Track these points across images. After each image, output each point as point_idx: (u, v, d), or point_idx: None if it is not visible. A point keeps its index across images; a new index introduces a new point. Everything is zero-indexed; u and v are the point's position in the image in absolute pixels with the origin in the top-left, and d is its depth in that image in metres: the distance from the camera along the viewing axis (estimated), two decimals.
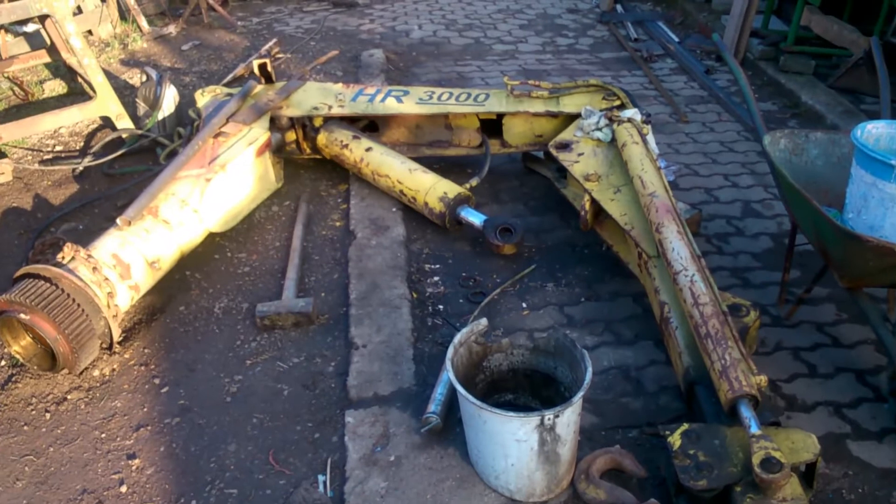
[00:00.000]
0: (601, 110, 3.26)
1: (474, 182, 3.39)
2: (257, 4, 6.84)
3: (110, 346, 2.67)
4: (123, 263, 2.71)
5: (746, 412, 1.93)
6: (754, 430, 1.88)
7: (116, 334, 2.65)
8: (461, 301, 2.91)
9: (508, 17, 6.37)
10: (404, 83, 4.83)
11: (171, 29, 5.76)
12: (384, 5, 6.84)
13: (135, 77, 4.90)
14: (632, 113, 3.16)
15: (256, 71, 3.67)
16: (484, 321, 2.26)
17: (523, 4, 6.76)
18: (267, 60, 3.69)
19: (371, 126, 3.77)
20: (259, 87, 3.78)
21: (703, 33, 5.58)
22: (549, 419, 1.90)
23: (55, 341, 2.47)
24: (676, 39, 5.56)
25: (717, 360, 2.04)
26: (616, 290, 2.91)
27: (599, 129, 3.14)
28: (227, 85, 4.53)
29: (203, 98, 3.75)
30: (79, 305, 2.52)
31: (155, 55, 5.41)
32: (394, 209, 3.40)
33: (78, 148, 4.10)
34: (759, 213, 3.39)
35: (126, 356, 2.70)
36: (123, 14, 5.71)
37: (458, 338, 2.18)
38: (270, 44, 5.33)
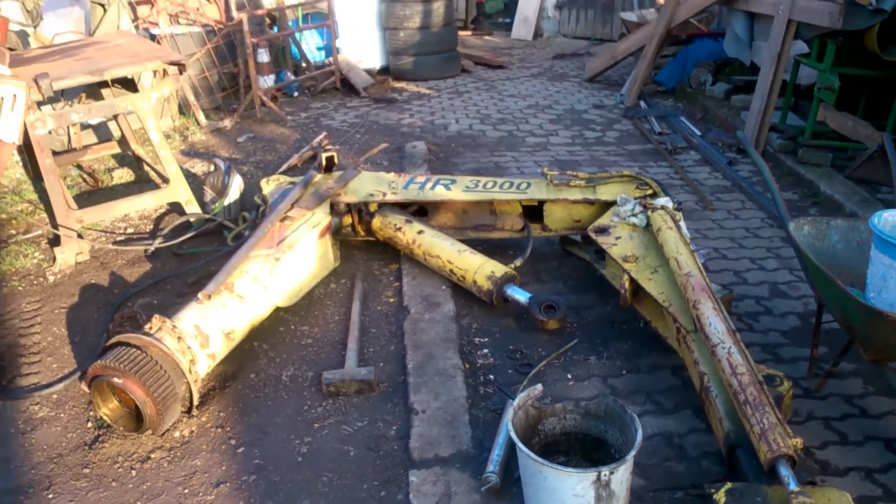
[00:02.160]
0: (635, 198, 3.55)
1: (518, 262, 3.66)
2: (303, 100, 7.30)
3: (189, 409, 2.91)
4: (203, 334, 2.97)
5: (785, 471, 2.13)
6: (793, 487, 2.07)
7: (196, 398, 2.89)
8: (510, 371, 3.13)
9: (538, 113, 6.77)
10: (445, 172, 5.17)
11: (227, 122, 6.19)
12: (421, 101, 7.28)
13: (196, 166, 5.29)
14: (664, 201, 3.44)
15: (323, 161, 4.00)
16: (539, 387, 2.49)
17: (551, 101, 7.18)
18: (334, 153, 4.03)
19: (420, 211, 4.07)
20: (319, 176, 4.11)
21: (723, 128, 5.92)
22: (605, 475, 2.10)
23: (144, 403, 2.71)
24: (698, 133, 5.90)
25: (756, 424, 2.24)
26: (655, 363, 3.13)
27: (635, 215, 3.42)
28: (284, 174, 4.88)
29: (268, 186, 4.09)
30: (165, 371, 2.77)
31: (213, 146, 5.81)
32: (443, 287, 3.67)
33: (148, 230, 4.44)
34: (786, 294, 3.62)
35: (203, 419, 2.93)
36: (183, 109, 6.15)
37: (516, 401, 2.41)
38: (321, 137, 5.71)
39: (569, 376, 3.09)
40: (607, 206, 3.66)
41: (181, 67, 3.93)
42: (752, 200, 4.66)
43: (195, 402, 2.90)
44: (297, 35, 7.82)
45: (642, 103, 6.81)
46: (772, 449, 2.16)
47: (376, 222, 3.94)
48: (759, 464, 2.22)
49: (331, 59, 8.06)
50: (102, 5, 5.77)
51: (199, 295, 3.06)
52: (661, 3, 7.26)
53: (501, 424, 2.72)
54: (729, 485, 2.19)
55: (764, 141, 5.23)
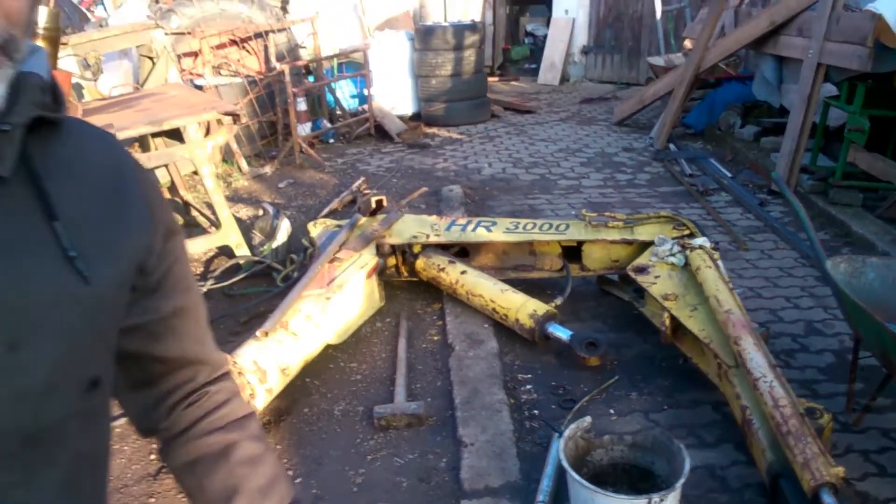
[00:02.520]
0: (673, 238, 3.67)
1: (559, 301, 3.78)
2: (339, 147, 7.54)
3: None
4: (261, 369, 3.11)
5: (829, 499, 2.21)
6: None
7: None
8: (553, 407, 3.23)
9: (569, 156, 6.94)
10: (481, 214, 5.31)
11: (268, 169, 6.42)
12: (453, 146, 7.48)
13: (240, 211, 5.49)
14: (702, 241, 3.56)
15: (373, 205, 4.18)
16: (588, 419, 2.59)
17: (581, 144, 7.35)
18: (384, 197, 4.21)
19: (462, 252, 4.21)
20: (363, 220, 4.28)
21: (753, 169, 6.03)
22: (655, 502, 2.20)
23: None
24: (729, 175, 6.03)
25: (799, 454, 2.33)
26: (695, 398, 3.22)
27: (673, 255, 3.54)
28: (325, 217, 5.06)
29: (315, 229, 4.26)
30: None
31: (255, 192, 6.03)
32: (485, 325, 3.79)
33: (199, 272, 4.62)
34: (822, 332, 3.70)
35: None
36: (226, 156, 6.39)
37: (567, 432, 2.51)
38: (359, 182, 5.91)
39: (611, 411, 3.18)
40: (645, 246, 3.78)
41: (235, 117, 4.14)
42: (784, 241, 4.75)
43: None
44: (332, 84, 8.09)
45: (672, 146, 6.96)
46: (815, 477, 2.24)
47: (420, 263, 4.09)
48: (803, 492, 2.30)
49: (365, 106, 8.31)
50: (151, 58, 6.04)
51: (258, 332, 3.21)
52: (688, 47, 7.44)
53: (549, 456, 2.82)
54: None
55: (795, 182, 5.34)
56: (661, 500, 2.20)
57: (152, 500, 2.82)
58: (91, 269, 0.76)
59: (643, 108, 7.86)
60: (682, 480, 2.24)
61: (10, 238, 0.72)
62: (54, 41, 5.11)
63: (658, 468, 2.52)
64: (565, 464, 2.35)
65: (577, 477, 2.29)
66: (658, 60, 8.22)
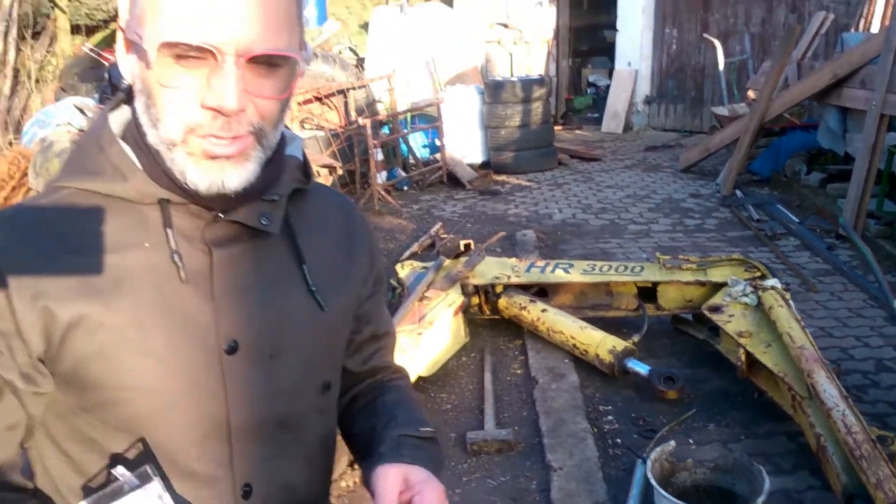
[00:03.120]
0: (745, 280, 3.88)
1: (636, 339, 4.00)
2: (413, 194, 7.92)
3: (352, 464, 3.32)
4: None
5: None
6: None
7: None
8: (634, 436, 3.45)
9: (637, 202, 7.18)
10: (555, 257, 5.57)
11: None
12: (523, 193, 7.80)
13: None
14: (773, 282, 3.77)
15: (462, 248, 4.50)
16: (672, 443, 2.81)
17: (648, 191, 7.59)
18: (471, 241, 4.53)
19: (541, 292, 4.48)
20: (448, 262, 4.59)
21: (820, 215, 6.18)
22: None
23: None
24: (796, 220, 6.18)
25: (872, 476, 2.51)
26: (771, 430, 3.40)
27: (746, 295, 3.75)
28: (408, 260, 5.39)
29: (403, 270, 4.59)
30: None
31: None
32: (566, 360, 4.04)
33: None
34: (892, 369, 3.85)
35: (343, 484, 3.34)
36: None
37: (653, 455, 2.74)
38: (437, 227, 6.24)
39: (690, 441, 3.38)
40: (718, 287, 3.99)
41: (332, 169, 4.52)
42: (853, 283, 4.90)
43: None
44: (407, 135, 8.52)
45: (738, 192, 7.14)
46: (888, 497, 2.42)
47: (502, 302, 4.36)
48: None
49: (436, 155, 8.72)
50: None
51: None
52: (752, 98, 7.66)
53: (633, 480, 3.03)
54: None
55: (862, 227, 5.48)
56: None
57: None
58: (326, 299, 1.03)
59: (709, 155, 8.07)
60: (762, 498, 2.44)
61: (276, 277, 1.00)
62: None
63: (739, 489, 2.72)
64: (653, 482, 2.57)
65: (665, 494, 2.51)
66: (722, 110, 8.44)
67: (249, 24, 0.83)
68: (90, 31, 18.42)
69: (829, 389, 2.91)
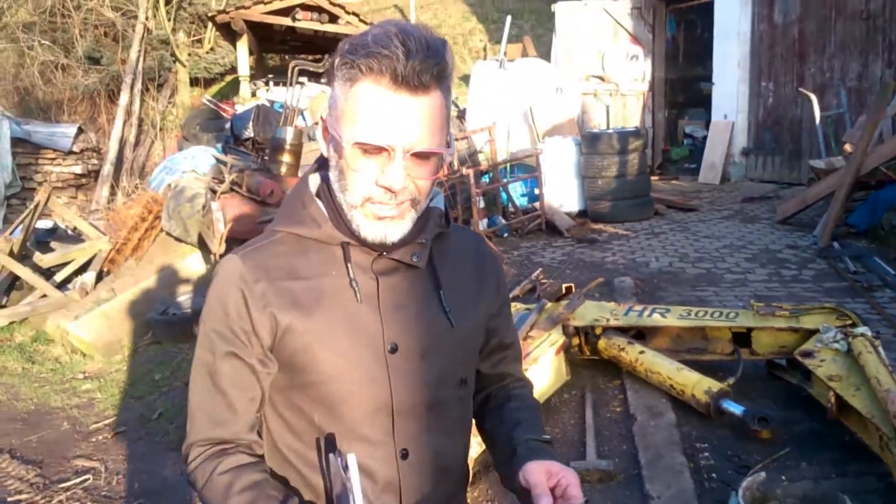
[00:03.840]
0: (836, 327, 4.08)
1: (731, 381, 4.24)
2: (513, 241, 8.31)
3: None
4: None
5: None
6: None
7: (470, 476, 3.66)
8: (729, 472, 3.68)
9: (734, 252, 7.37)
10: (652, 303, 5.83)
11: None
12: (620, 241, 8.09)
13: None
14: (863, 330, 3.96)
15: (563, 290, 4.85)
16: (763, 474, 3.06)
17: (745, 241, 7.76)
18: (572, 284, 4.88)
19: (639, 335, 4.76)
20: (549, 304, 4.94)
21: None
22: None
23: None
24: (893, 272, 6.26)
25: None
26: (861, 469, 3.58)
27: (837, 342, 3.95)
28: (512, 302, 5.76)
29: None
30: None
31: None
32: (663, 399, 4.30)
33: None
34: None
35: (475, 494, 3.69)
36: None
37: (745, 483, 2.99)
38: (537, 272, 6.59)
39: (783, 478, 3.58)
40: (810, 333, 4.19)
41: None
42: None
43: (469, 479, 3.66)
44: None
45: (835, 244, 7.23)
46: None
47: (602, 343, 4.67)
48: None
49: (535, 203, 9.11)
50: None
51: None
52: (848, 151, 7.76)
53: None
54: None
55: None
56: None
57: None
58: (456, 319, 1.44)
59: (806, 207, 8.18)
60: None
61: (423, 298, 1.42)
62: (297, 154, 6.24)
63: None
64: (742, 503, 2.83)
65: None
66: (819, 163, 8.54)
67: (413, 131, 1.26)
68: (207, 83, 19.76)
69: None
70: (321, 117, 1.39)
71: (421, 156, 1.29)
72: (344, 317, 1.35)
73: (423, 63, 1.22)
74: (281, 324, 1.33)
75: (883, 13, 9.58)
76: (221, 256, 5.20)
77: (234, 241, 5.30)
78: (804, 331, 4.25)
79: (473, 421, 1.62)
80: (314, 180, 1.44)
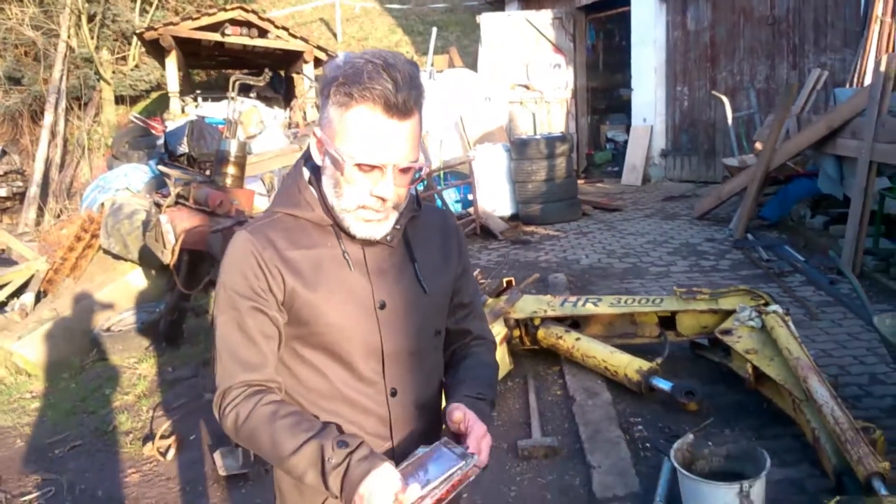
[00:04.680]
0: (751, 306, 4.50)
1: (659, 361, 4.61)
2: None
3: None
4: None
5: (877, 484, 2.98)
6: (884, 493, 2.92)
7: None
8: (661, 441, 4.03)
9: (657, 247, 7.83)
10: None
11: None
12: (552, 241, 8.48)
13: None
14: (775, 307, 4.39)
15: (504, 285, 5.17)
16: (691, 436, 3.42)
17: (667, 237, 8.25)
18: (512, 279, 5.20)
19: (574, 324, 5.11)
20: (491, 300, 5.25)
21: (824, 254, 6.79)
22: (746, 487, 3.01)
23: None
24: (802, 259, 6.80)
25: (854, 454, 3.11)
26: (778, 433, 3.97)
27: (752, 319, 4.37)
28: None
29: None
30: None
31: None
32: (599, 381, 4.65)
33: None
34: (884, 382, 4.42)
35: None
36: None
37: (676, 445, 3.35)
38: (476, 273, 6.92)
39: (709, 444, 3.97)
40: (728, 314, 4.60)
41: None
42: (853, 312, 5.49)
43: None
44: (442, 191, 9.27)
45: (749, 236, 7.77)
46: (867, 469, 3.02)
47: (541, 333, 5.01)
48: (860, 484, 3.07)
49: (469, 209, 9.44)
50: None
51: None
52: (758, 149, 8.33)
53: (661, 472, 3.64)
54: (839, 497, 3.04)
55: (860, 263, 6.08)
56: (751, 486, 3.00)
57: None
58: (429, 285, 1.75)
59: (721, 203, 8.73)
60: (764, 472, 3.04)
61: (402, 266, 1.72)
62: (241, 165, 6.42)
63: (748, 471, 3.30)
64: (676, 465, 3.18)
65: (686, 473, 3.12)
66: (732, 161, 9.12)
67: (401, 150, 1.56)
68: (133, 100, 19.52)
69: (820, 391, 3.52)
70: (314, 132, 1.66)
71: (404, 169, 1.58)
72: (340, 280, 1.64)
73: (409, 93, 1.52)
74: (288, 284, 1.61)
75: (787, 18, 10.27)
76: (175, 268, 5.34)
77: (186, 252, 5.44)
78: (723, 312, 4.66)
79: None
80: (305, 171, 1.71)
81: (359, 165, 1.54)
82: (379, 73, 1.49)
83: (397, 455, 1.67)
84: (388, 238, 1.67)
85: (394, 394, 1.70)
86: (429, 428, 1.81)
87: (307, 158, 1.73)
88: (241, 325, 1.61)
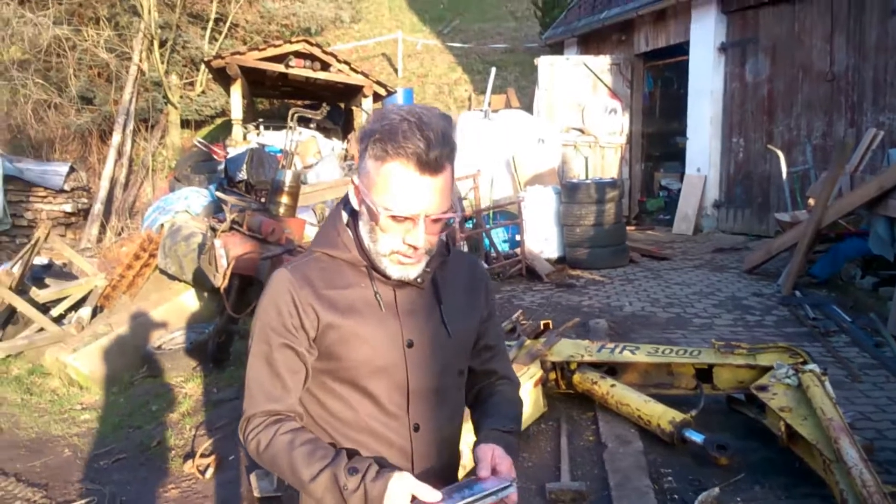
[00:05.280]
0: (788, 364, 4.50)
1: (694, 413, 4.62)
2: (495, 284, 8.71)
3: None
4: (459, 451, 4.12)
5: None
6: None
7: None
8: (690, 494, 4.04)
9: (702, 298, 7.81)
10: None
11: None
12: (596, 286, 8.51)
13: None
14: (812, 366, 4.38)
15: (542, 327, 5.24)
16: (717, 490, 3.44)
17: (714, 289, 8.21)
18: (549, 321, 5.27)
19: (610, 370, 5.15)
20: (529, 341, 5.32)
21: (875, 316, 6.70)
22: None
23: None
24: (849, 319, 6.71)
25: None
26: (808, 492, 3.95)
27: (788, 377, 4.36)
28: None
29: None
30: None
31: None
32: (632, 429, 4.67)
33: None
34: None
35: None
36: None
37: (700, 497, 3.38)
38: (518, 314, 6.98)
39: (738, 499, 3.97)
40: (765, 370, 4.60)
41: None
42: (895, 375, 5.42)
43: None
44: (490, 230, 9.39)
45: (797, 293, 7.69)
46: None
47: (577, 377, 5.05)
48: None
49: (515, 249, 9.54)
50: None
51: None
52: (811, 205, 8.27)
53: None
54: None
55: None
56: None
57: None
58: (453, 328, 1.86)
59: (771, 258, 8.66)
60: None
61: (429, 308, 1.83)
62: (295, 195, 6.64)
63: None
64: None
65: None
66: (784, 216, 9.05)
67: (432, 203, 1.68)
68: (198, 125, 20.21)
69: (850, 453, 3.50)
70: (352, 181, 1.81)
71: (436, 220, 1.70)
72: (371, 319, 1.77)
73: (441, 151, 1.65)
74: (322, 321, 1.74)
75: (846, 76, 10.21)
76: (225, 291, 5.55)
77: (237, 276, 5.65)
78: (760, 367, 4.65)
79: (466, 410, 2.04)
80: (344, 214, 1.85)
81: (392, 217, 1.67)
82: (413, 132, 1.63)
83: None
84: (419, 280, 1.79)
85: (416, 428, 1.81)
86: (449, 463, 1.92)
87: (346, 202, 1.86)
88: (269, 359, 1.75)
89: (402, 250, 1.71)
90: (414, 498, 1.56)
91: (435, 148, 1.63)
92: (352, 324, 1.75)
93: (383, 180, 1.67)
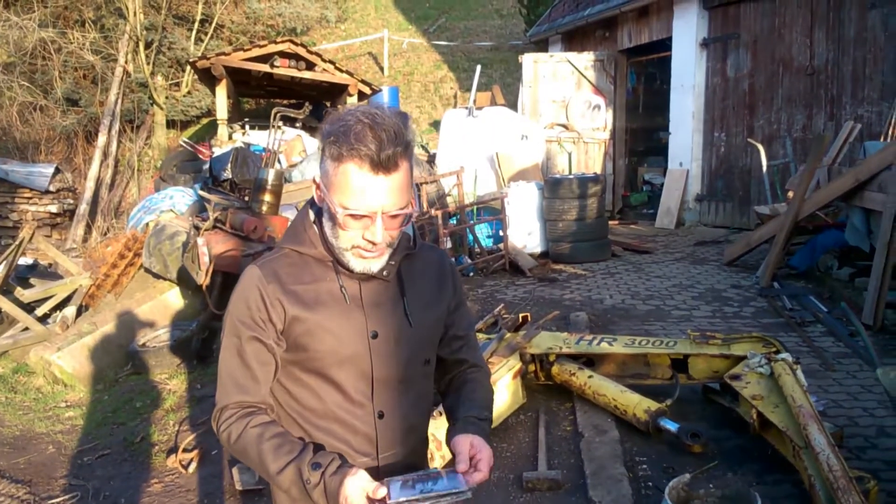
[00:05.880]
0: (762, 353, 4.57)
1: (668, 402, 4.70)
2: (478, 279, 8.78)
3: None
4: (437, 440, 4.16)
5: None
6: None
7: None
8: (664, 481, 4.10)
9: (682, 291, 7.90)
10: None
11: None
12: (578, 280, 8.59)
13: None
14: (785, 355, 4.45)
15: (520, 319, 5.31)
16: (688, 476, 3.51)
17: (693, 281, 8.30)
18: (528, 314, 5.33)
19: (588, 362, 5.22)
20: (509, 334, 5.39)
21: (848, 305, 6.80)
22: None
23: None
24: (825, 310, 6.81)
25: (845, 502, 3.18)
26: (779, 478, 4.03)
27: (761, 366, 4.43)
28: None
29: None
30: None
31: None
32: (608, 419, 4.74)
33: None
34: (891, 434, 4.45)
35: None
36: None
37: (671, 483, 3.44)
38: (499, 308, 7.05)
39: (711, 486, 4.04)
40: (739, 359, 4.67)
41: None
42: (869, 364, 5.50)
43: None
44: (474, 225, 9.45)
45: (776, 284, 7.79)
46: None
47: (555, 369, 5.12)
48: None
49: (499, 245, 9.60)
50: None
51: (435, 412, 4.30)
52: (790, 197, 8.37)
53: None
54: None
55: (882, 316, 6.09)
56: None
57: None
58: (416, 319, 1.91)
59: (750, 250, 8.76)
60: None
61: (394, 300, 1.89)
62: (277, 194, 6.68)
63: None
64: (669, 502, 3.27)
65: None
66: (764, 209, 9.16)
67: (388, 199, 1.73)
68: (184, 125, 20.17)
69: (818, 438, 3.58)
70: (314, 179, 1.87)
71: (394, 215, 1.75)
72: (337, 311, 1.83)
73: (394, 150, 1.70)
74: (289, 314, 1.80)
75: (826, 69, 10.32)
76: (207, 289, 5.59)
77: (219, 274, 5.69)
78: (734, 357, 4.73)
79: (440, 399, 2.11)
80: (311, 212, 1.91)
81: (350, 215, 1.73)
82: (366, 133, 1.68)
83: (381, 471, 1.84)
84: (384, 273, 1.85)
85: (381, 416, 1.87)
86: (414, 449, 1.98)
87: (313, 201, 1.92)
88: (239, 352, 1.81)
89: (362, 245, 1.78)
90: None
91: (388, 147, 1.68)
92: (318, 317, 1.81)
93: (340, 180, 1.72)
